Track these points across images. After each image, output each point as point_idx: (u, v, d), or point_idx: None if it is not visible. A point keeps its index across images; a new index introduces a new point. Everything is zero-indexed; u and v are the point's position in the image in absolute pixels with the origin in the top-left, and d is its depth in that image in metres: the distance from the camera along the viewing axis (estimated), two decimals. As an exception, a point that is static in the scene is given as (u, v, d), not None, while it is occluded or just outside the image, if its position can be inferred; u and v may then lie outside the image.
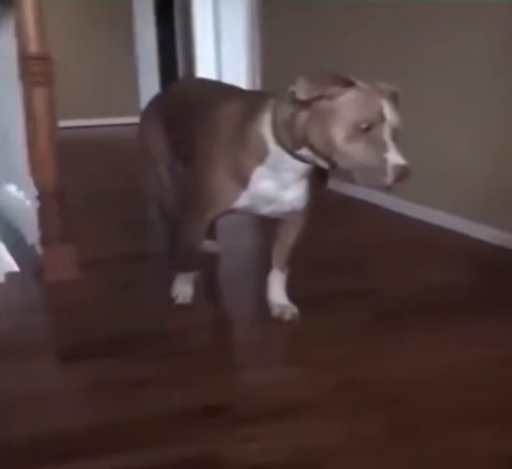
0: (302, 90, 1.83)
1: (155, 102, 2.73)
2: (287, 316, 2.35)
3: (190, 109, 2.33)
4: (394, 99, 1.89)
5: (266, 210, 2.17)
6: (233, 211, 2.22)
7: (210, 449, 1.63)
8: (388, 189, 1.83)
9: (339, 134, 1.81)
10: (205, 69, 7.60)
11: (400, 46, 3.72)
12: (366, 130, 1.79)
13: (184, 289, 2.51)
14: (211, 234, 2.93)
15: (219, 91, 2.38)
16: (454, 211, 3.42)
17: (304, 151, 1.94)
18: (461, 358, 2.09)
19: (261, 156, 2.02)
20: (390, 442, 1.66)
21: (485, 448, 1.63)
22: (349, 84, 1.83)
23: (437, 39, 3.44)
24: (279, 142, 1.97)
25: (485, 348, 2.16)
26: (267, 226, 2.46)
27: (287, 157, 1.98)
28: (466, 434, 1.69)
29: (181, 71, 8.47)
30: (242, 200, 2.12)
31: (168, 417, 1.77)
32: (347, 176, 1.84)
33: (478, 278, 2.75)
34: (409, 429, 1.71)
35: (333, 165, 1.87)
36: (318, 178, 2.12)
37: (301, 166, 2.01)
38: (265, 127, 1.98)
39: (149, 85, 8.12)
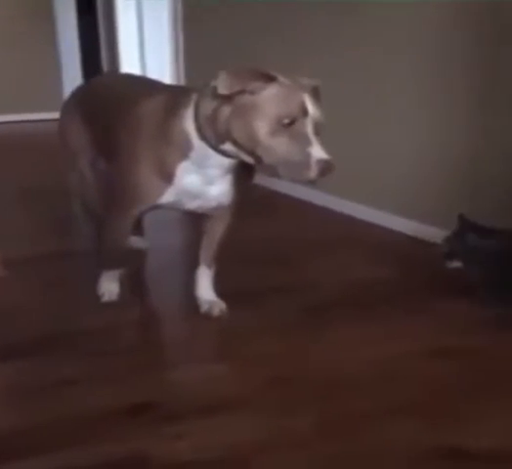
0: (223, 85, 1.82)
1: (76, 96, 2.68)
2: (216, 312, 2.35)
3: (112, 105, 2.30)
4: (315, 93, 1.91)
5: (192, 205, 2.17)
6: (158, 207, 2.21)
7: (138, 447, 1.62)
8: (312, 183, 1.84)
9: (262, 128, 1.81)
10: (129, 64, 7.52)
11: (320, 43, 3.74)
12: (289, 125, 1.80)
13: (110, 287, 2.48)
14: (138, 230, 2.91)
15: (142, 86, 2.35)
16: (377, 205, 3.48)
17: (228, 146, 1.93)
18: (388, 351, 2.12)
19: (185, 152, 2.01)
20: (317, 436, 1.68)
21: (412, 442, 1.66)
22: (270, 79, 1.83)
23: (356, 37, 3.48)
24: (203, 137, 1.96)
25: (410, 341, 2.20)
26: (194, 222, 2.45)
27: (211, 152, 1.98)
28: (393, 427, 1.71)
29: (105, 66, 8.36)
30: (168, 196, 2.11)
31: (96, 416, 1.75)
32: (272, 171, 1.85)
33: (401, 271, 2.80)
34: (337, 423, 1.73)
35: (258, 160, 1.87)
36: (243, 173, 2.12)
37: (226, 161, 2.01)
38: (188, 122, 1.97)
39: (72, 79, 7.98)
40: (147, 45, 7.26)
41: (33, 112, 7.91)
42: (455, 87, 2.97)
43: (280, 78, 1.85)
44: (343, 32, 3.57)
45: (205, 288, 2.40)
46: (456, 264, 2.40)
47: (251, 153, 1.87)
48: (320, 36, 3.75)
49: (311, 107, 1.82)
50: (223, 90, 1.82)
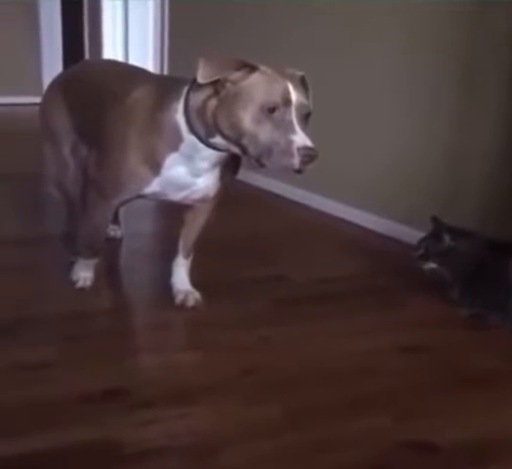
0: (200, 74, 1.81)
1: (61, 80, 2.64)
2: (190, 302, 2.35)
3: (99, 92, 2.27)
4: (303, 83, 1.92)
5: (176, 197, 2.16)
6: (142, 197, 2.19)
7: (110, 433, 1.62)
8: (298, 172, 1.82)
9: (246, 116, 1.81)
10: (112, 53, 7.48)
11: (306, 43, 3.76)
12: (272, 112, 1.79)
13: (85, 273, 2.46)
14: (115, 218, 2.89)
15: (131, 75, 2.31)
16: (350, 202, 3.54)
17: (218, 140, 1.93)
18: (358, 345, 2.15)
19: (175, 144, 2.01)
20: (286, 426, 1.69)
21: (379, 434, 1.68)
22: (252, 68, 1.83)
23: (344, 38, 3.51)
24: (192, 130, 1.96)
25: (380, 335, 2.23)
26: (171, 211, 2.45)
27: (201, 146, 1.97)
28: (361, 420, 1.74)
29: (87, 53, 8.30)
30: (153, 186, 2.10)
31: (67, 401, 1.74)
32: (258, 161, 1.83)
33: (372, 267, 2.85)
34: (306, 414, 1.75)
35: (244, 150, 1.87)
36: (229, 166, 2.13)
37: (215, 155, 2.00)
38: (178, 115, 1.97)
39: (52, 65, 7.90)
40: (131, 34, 7.23)
41: (11, 96, 7.82)
42: (438, 89, 3.01)
43: (262, 67, 1.84)
44: (331, 32, 3.59)
45: (181, 278, 2.40)
46: (432, 265, 2.43)
47: (238, 144, 1.87)
48: (307, 35, 3.76)
49: (294, 95, 1.82)
50: (200, 79, 1.82)
